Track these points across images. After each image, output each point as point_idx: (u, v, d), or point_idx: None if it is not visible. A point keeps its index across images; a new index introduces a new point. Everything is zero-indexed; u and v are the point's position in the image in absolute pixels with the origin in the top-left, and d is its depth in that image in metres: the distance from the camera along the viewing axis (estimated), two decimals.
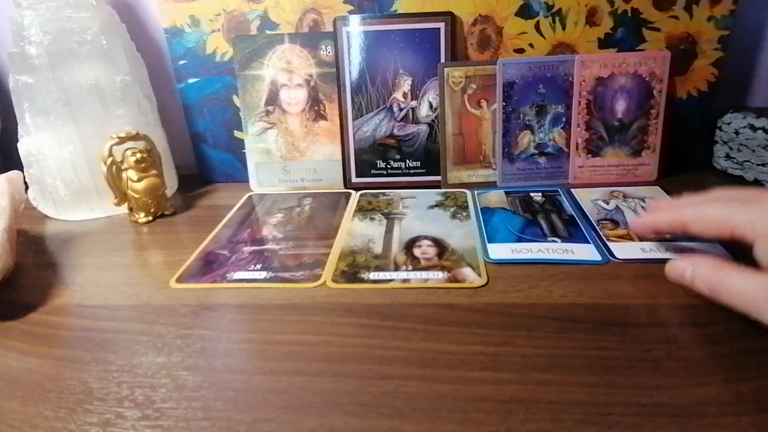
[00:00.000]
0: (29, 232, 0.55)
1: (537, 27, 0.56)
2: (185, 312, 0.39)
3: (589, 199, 0.54)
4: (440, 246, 0.46)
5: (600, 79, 0.56)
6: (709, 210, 0.36)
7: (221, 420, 0.29)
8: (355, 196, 0.58)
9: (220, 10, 0.58)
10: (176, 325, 0.38)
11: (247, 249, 0.48)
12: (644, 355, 0.32)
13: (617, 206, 0.52)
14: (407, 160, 0.60)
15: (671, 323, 0.35)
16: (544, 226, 0.49)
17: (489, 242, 0.46)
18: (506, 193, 0.56)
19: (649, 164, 0.58)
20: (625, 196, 0.54)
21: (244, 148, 0.62)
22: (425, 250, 0.45)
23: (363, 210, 0.54)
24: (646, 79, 0.55)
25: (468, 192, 0.57)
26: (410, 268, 0.43)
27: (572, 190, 0.56)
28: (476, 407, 0.29)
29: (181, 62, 0.60)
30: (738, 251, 0.43)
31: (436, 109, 0.58)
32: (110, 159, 0.53)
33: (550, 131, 0.58)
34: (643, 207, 0.51)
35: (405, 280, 0.41)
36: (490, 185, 0.59)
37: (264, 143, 0.60)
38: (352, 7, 0.57)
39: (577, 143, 0.57)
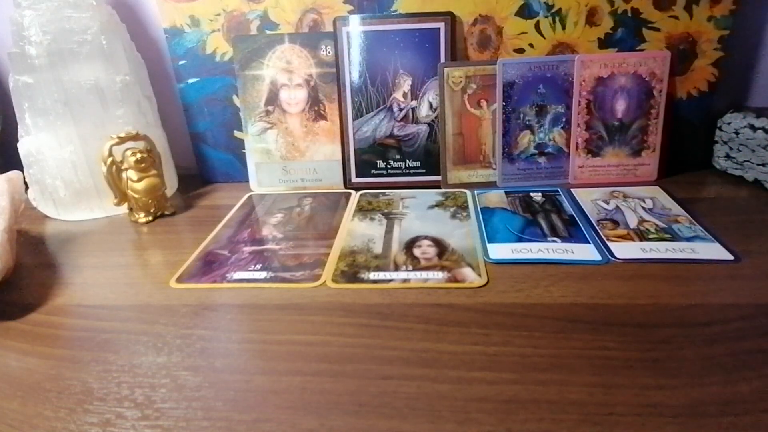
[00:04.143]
0: (29, 232, 0.55)
1: (537, 27, 0.56)
2: (185, 312, 0.39)
3: (589, 199, 0.54)
4: (440, 246, 0.46)
5: (600, 79, 0.56)
6: None
7: (221, 420, 0.29)
8: (355, 196, 0.58)
9: (220, 10, 0.58)
10: (176, 325, 0.38)
11: (247, 249, 0.48)
12: (644, 355, 0.32)
13: (617, 206, 0.52)
14: (407, 160, 0.60)
15: (671, 323, 0.35)
16: (544, 226, 0.49)
17: (489, 242, 0.46)
18: (506, 193, 0.56)
19: (649, 164, 0.58)
20: (625, 196, 0.54)
21: (244, 148, 0.62)
22: (425, 250, 0.45)
23: (363, 210, 0.54)
24: (646, 79, 0.55)
25: (468, 192, 0.57)
26: (410, 268, 0.43)
27: (572, 190, 0.56)
28: (476, 407, 0.29)
29: (181, 62, 0.60)
30: (737, 252, 0.43)
31: (436, 109, 0.58)
32: (110, 159, 0.53)
33: (550, 131, 0.58)
34: (643, 207, 0.51)
35: (405, 280, 0.41)
36: (490, 185, 0.59)
37: (264, 143, 0.60)
38: (352, 7, 0.57)
39: (577, 143, 0.57)
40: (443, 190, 0.59)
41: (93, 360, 0.35)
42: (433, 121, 0.58)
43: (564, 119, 0.57)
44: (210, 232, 0.52)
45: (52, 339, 0.37)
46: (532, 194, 0.56)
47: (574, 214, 0.51)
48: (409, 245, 0.46)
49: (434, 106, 0.58)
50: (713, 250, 0.43)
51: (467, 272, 0.42)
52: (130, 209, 0.56)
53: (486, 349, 0.33)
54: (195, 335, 0.36)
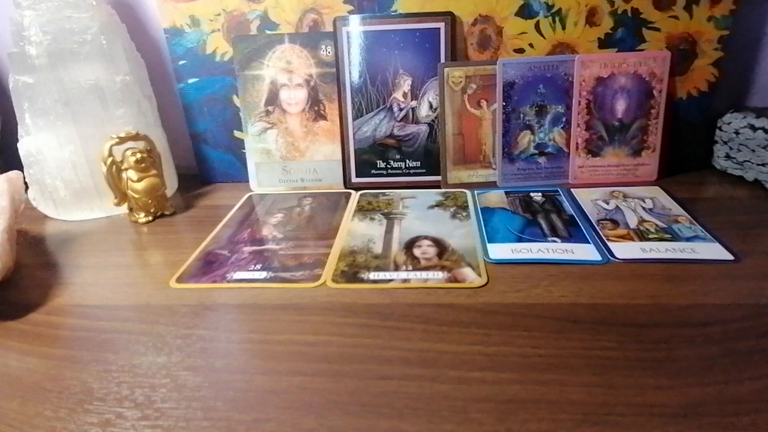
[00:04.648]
0: (29, 232, 0.55)
1: (537, 27, 0.56)
2: (185, 312, 0.39)
3: (589, 199, 0.54)
4: (440, 246, 0.46)
5: (600, 79, 0.56)
6: None
7: (221, 420, 0.29)
8: (355, 196, 0.58)
9: (220, 10, 0.58)
10: (176, 325, 0.38)
11: (247, 249, 0.48)
12: (644, 355, 0.32)
13: (617, 206, 0.52)
14: (407, 160, 0.60)
15: (671, 323, 0.35)
16: (544, 226, 0.49)
17: (489, 242, 0.46)
18: (506, 193, 0.56)
19: (649, 164, 0.58)
20: (625, 196, 0.54)
21: (244, 148, 0.62)
22: (425, 250, 0.45)
23: (363, 210, 0.54)
24: (646, 79, 0.55)
25: (468, 192, 0.57)
26: (410, 268, 0.43)
27: (572, 190, 0.56)
28: (476, 407, 0.29)
29: (181, 62, 0.60)
30: (737, 252, 0.43)
31: (436, 109, 0.58)
32: (110, 159, 0.53)
33: (550, 131, 0.58)
34: (643, 207, 0.51)
35: (405, 280, 0.41)
36: (490, 185, 0.59)
37: (264, 143, 0.60)
38: (352, 7, 0.57)
39: (577, 143, 0.57)
40: (443, 190, 0.59)
41: (93, 360, 0.35)
42: (433, 121, 0.58)
43: (564, 119, 0.57)
44: (210, 232, 0.52)
45: (52, 339, 0.37)
46: (532, 194, 0.56)
47: (574, 214, 0.51)
48: (409, 245, 0.46)
49: (434, 106, 0.58)
50: (713, 250, 0.43)
51: (467, 272, 0.42)
52: (130, 209, 0.56)
53: (486, 349, 0.33)
54: (195, 335, 0.36)
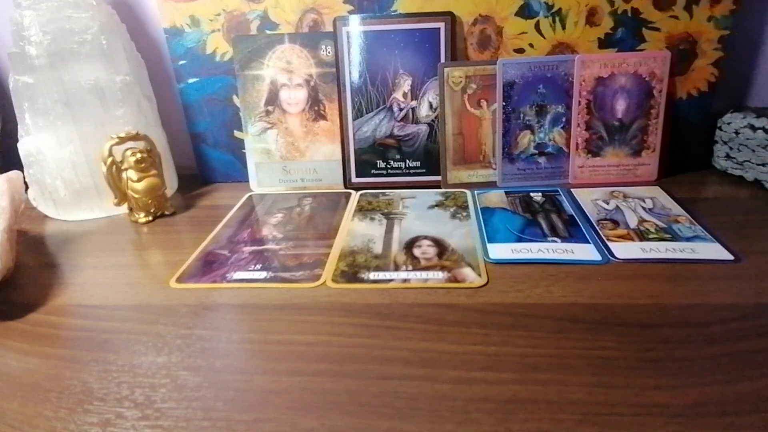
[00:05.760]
0: (29, 232, 0.55)
1: (537, 27, 0.56)
2: (185, 312, 0.39)
3: (589, 199, 0.54)
4: (440, 246, 0.46)
5: (600, 79, 0.56)
6: None
7: (221, 420, 0.29)
8: (355, 196, 0.58)
9: (220, 10, 0.58)
10: (176, 325, 0.38)
11: (247, 249, 0.48)
12: (644, 355, 0.32)
13: (617, 206, 0.52)
14: (407, 160, 0.60)
15: (671, 323, 0.35)
16: (544, 226, 0.49)
17: (489, 242, 0.46)
18: (506, 193, 0.56)
19: (649, 164, 0.58)
20: (625, 196, 0.54)
21: (244, 148, 0.62)
22: (425, 250, 0.45)
23: (363, 210, 0.54)
24: (646, 79, 0.55)
25: (468, 192, 0.57)
26: (410, 268, 0.43)
27: (572, 190, 0.56)
28: (476, 407, 0.29)
29: (181, 62, 0.60)
30: (737, 252, 0.43)
31: (436, 109, 0.58)
32: (110, 159, 0.53)
33: (550, 131, 0.58)
34: (643, 207, 0.51)
35: (405, 280, 0.41)
36: (490, 185, 0.59)
37: (264, 143, 0.60)
38: (352, 7, 0.57)
39: (577, 143, 0.57)
40: (443, 190, 0.59)
41: (93, 360, 0.35)
42: (433, 121, 0.58)
43: (564, 119, 0.57)
44: (210, 232, 0.52)
45: (52, 339, 0.37)
46: (532, 194, 0.56)
47: (574, 214, 0.51)
48: (409, 245, 0.46)
49: (434, 106, 0.58)
50: (713, 250, 0.43)
51: (467, 272, 0.42)
52: (130, 209, 0.56)
53: (486, 349, 0.33)
54: (195, 335, 0.36)
